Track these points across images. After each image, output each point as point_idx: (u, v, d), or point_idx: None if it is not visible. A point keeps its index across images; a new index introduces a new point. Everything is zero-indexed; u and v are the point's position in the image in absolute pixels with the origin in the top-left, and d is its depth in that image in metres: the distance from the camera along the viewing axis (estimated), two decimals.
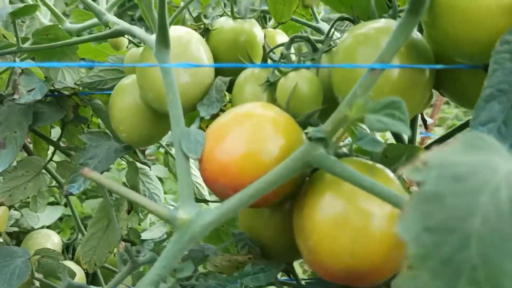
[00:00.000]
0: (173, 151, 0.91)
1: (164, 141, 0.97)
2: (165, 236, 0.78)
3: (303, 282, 0.45)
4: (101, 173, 0.65)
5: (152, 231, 0.79)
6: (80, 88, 0.66)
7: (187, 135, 0.38)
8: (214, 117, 0.48)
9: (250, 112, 0.37)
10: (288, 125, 0.37)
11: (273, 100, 0.43)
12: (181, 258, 0.37)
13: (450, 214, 0.18)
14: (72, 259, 0.88)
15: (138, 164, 0.87)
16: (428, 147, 0.47)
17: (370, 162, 0.36)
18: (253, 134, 0.36)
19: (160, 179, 0.87)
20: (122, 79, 0.57)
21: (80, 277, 0.76)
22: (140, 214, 0.79)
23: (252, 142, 0.35)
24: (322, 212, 0.34)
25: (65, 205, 1.22)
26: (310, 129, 0.39)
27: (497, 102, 0.28)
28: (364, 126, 0.35)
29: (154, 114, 0.54)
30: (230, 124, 0.37)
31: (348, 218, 0.33)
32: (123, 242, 0.46)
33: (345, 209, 0.33)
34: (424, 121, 0.49)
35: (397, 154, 0.42)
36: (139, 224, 0.89)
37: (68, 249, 0.89)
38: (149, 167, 0.76)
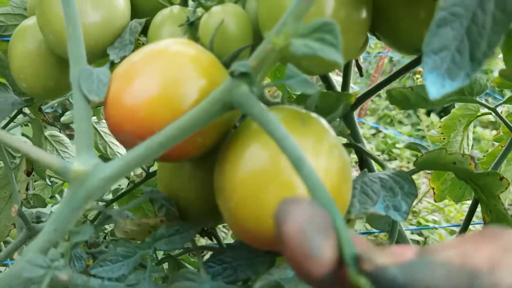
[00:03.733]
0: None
1: None
2: None
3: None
4: None
5: None
6: None
7: (88, 74, 0.31)
8: None
9: (165, 49, 0.31)
10: (210, 65, 0.31)
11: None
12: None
13: None
14: None
15: (53, 132, 0.78)
16: (361, 98, 0.44)
17: (303, 111, 0.31)
18: (167, 74, 0.30)
19: None
20: (24, 20, 0.49)
21: None
22: (48, 181, 0.71)
23: (166, 83, 0.30)
24: (244, 168, 0.29)
25: None
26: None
27: (450, 28, 0.24)
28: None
29: (62, 61, 0.46)
30: (140, 62, 0.31)
31: (274, 174, 0.28)
32: (16, 206, 0.39)
33: (270, 164, 0.28)
34: (359, 67, 0.46)
35: (329, 103, 0.38)
36: (51, 198, 0.81)
37: None
38: (59, 129, 0.68)
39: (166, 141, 0.28)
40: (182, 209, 0.37)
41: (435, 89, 0.26)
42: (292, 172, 0.28)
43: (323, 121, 0.31)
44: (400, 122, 3.14)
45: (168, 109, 0.29)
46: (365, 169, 0.37)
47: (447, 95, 0.49)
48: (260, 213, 0.28)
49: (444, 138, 0.69)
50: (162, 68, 0.30)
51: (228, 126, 0.32)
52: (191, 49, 0.32)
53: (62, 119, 0.81)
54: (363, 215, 0.32)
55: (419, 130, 2.99)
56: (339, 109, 0.36)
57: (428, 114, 2.95)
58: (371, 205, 0.32)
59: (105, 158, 0.80)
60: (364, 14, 0.34)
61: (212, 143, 0.32)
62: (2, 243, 0.68)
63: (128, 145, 0.31)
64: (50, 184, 0.76)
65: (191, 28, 0.38)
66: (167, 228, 0.35)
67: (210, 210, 0.37)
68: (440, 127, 0.68)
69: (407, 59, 0.49)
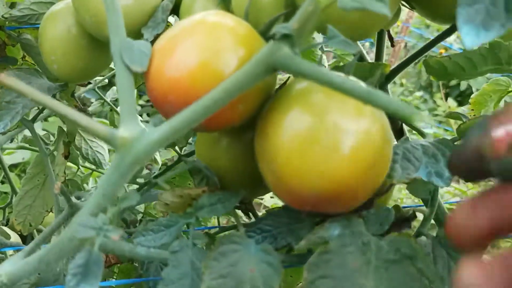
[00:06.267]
0: (118, 108, 0.85)
1: (109, 97, 0.90)
2: None
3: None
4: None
5: None
6: (6, 22, 0.57)
7: (129, 46, 0.32)
8: None
9: (203, 21, 0.32)
10: (248, 34, 0.32)
11: None
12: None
13: None
14: (6, 225, 0.80)
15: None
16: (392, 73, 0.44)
17: (342, 75, 0.32)
18: (208, 44, 0.31)
19: None
20: (54, 5, 0.50)
21: (14, 241, 0.69)
22: (80, 166, 0.72)
23: (207, 53, 0.30)
24: (288, 129, 0.30)
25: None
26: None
27: None
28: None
29: (92, 43, 0.47)
30: (180, 35, 0.32)
31: (318, 134, 0.29)
32: (58, 183, 0.40)
33: (314, 125, 0.29)
34: (390, 38, 0.46)
35: (363, 74, 0.38)
36: (82, 185, 0.82)
37: (4, 215, 0.80)
38: (90, 117, 0.69)
39: (212, 104, 0.28)
40: (222, 179, 0.38)
41: (470, 39, 0.26)
42: (336, 132, 0.29)
43: (362, 84, 0.31)
44: (417, 108, 3.13)
45: (210, 76, 0.30)
46: (407, 136, 0.37)
47: (484, 65, 0.49)
48: (304, 172, 0.28)
49: (474, 115, 0.68)
50: (202, 38, 0.31)
51: (267, 93, 0.33)
52: (229, 20, 0.32)
53: (90, 109, 0.82)
54: (405, 180, 0.32)
55: (436, 115, 2.98)
56: (375, 76, 0.37)
57: (445, 98, 2.95)
58: (413, 171, 0.33)
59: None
60: None
61: (252, 110, 0.32)
62: (35, 230, 0.70)
63: (171, 116, 0.32)
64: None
65: (223, 2, 0.38)
66: (209, 197, 0.35)
67: (248, 180, 0.38)
68: (470, 103, 0.68)
69: (421, 43, 0.49)
